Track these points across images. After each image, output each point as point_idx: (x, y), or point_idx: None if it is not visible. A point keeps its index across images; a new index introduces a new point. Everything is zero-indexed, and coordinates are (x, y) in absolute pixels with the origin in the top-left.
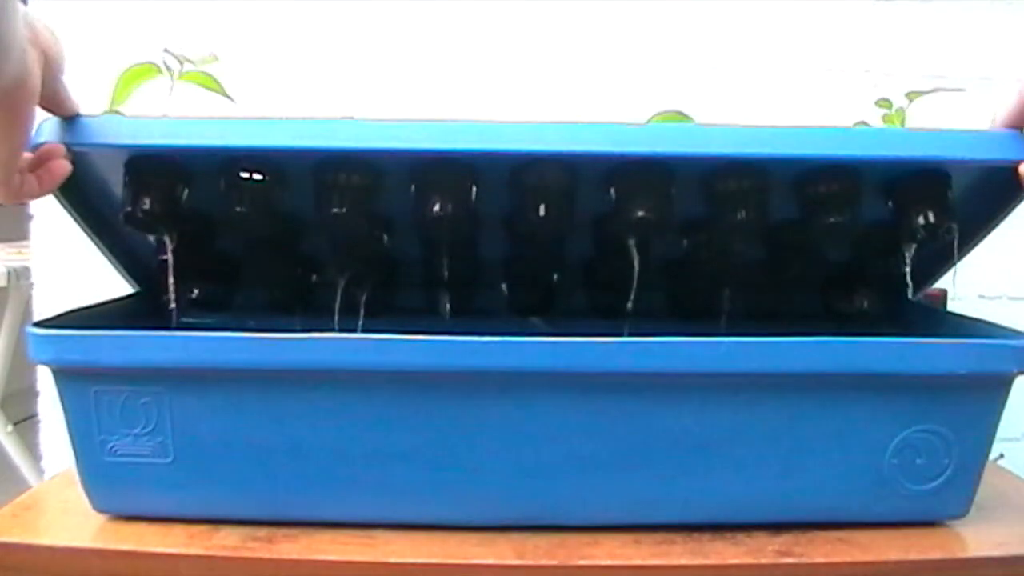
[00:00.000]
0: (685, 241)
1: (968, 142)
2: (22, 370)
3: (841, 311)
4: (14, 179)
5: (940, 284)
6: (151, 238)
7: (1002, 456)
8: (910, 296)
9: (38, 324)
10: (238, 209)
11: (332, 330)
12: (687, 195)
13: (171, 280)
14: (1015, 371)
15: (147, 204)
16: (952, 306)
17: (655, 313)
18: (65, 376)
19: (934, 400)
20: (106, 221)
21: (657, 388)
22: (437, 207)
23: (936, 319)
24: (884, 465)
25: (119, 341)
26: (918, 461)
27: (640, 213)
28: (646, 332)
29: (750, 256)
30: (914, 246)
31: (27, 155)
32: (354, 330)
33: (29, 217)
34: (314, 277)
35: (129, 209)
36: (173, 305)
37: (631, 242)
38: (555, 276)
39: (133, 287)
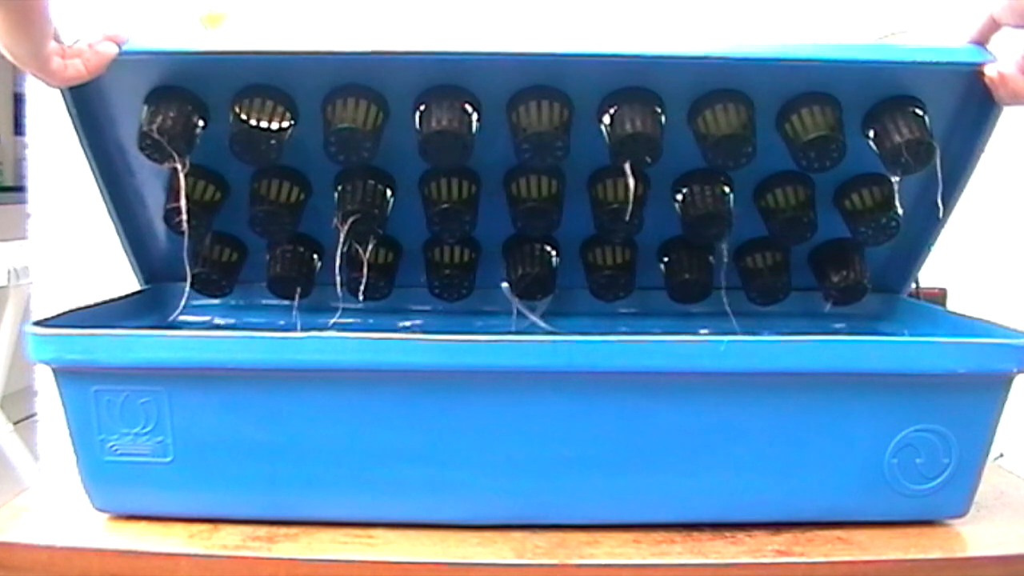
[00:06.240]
0: (683, 192)
1: (933, 51)
2: (22, 369)
3: (838, 288)
4: (52, 63)
5: (940, 283)
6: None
7: (1002, 456)
8: (899, 210)
9: (37, 323)
10: (242, 133)
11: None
12: (675, 115)
13: (183, 205)
14: (1015, 371)
15: (163, 123)
16: (952, 305)
17: (655, 311)
18: (65, 375)
19: (934, 400)
20: (125, 199)
21: (657, 388)
22: (436, 122)
23: (936, 318)
24: (884, 465)
25: (119, 341)
26: (918, 461)
27: (631, 128)
28: (646, 331)
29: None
30: (899, 172)
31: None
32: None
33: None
34: (317, 258)
35: (145, 129)
36: (185, 228)
37: (626, 165)
38: (554, 253)
39: (138, 277)
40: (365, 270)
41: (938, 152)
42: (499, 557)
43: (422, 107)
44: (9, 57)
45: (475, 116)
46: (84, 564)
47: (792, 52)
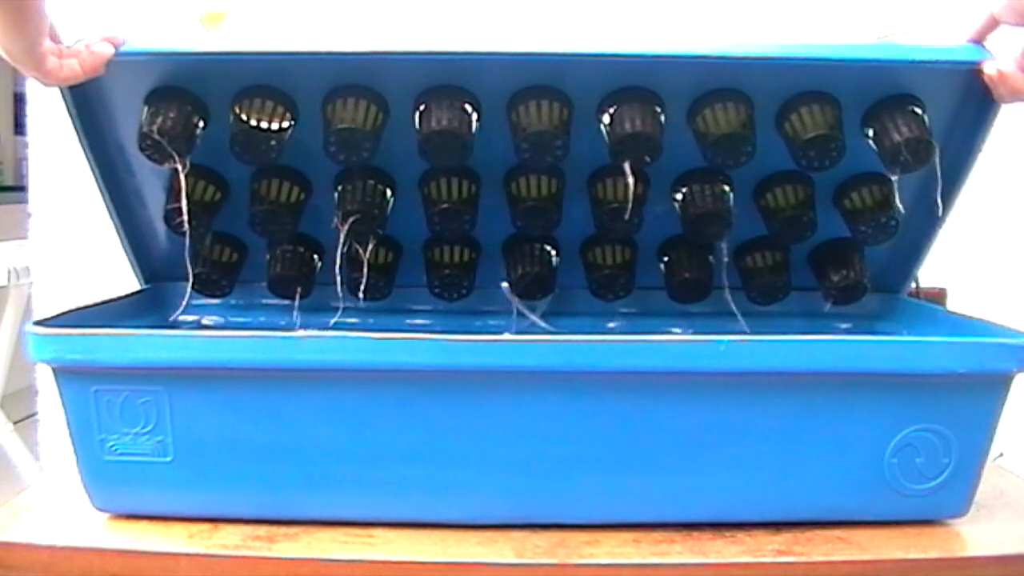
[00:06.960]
0: (683, 191)
1: (932, 50)
2: (22, 369)
3: (838, 287)
4: (47, 62)
5: (940, 283)
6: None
7: (1002, 455)
8: (900, 210)
9: (38, 323)
10: (243, 135)
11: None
12: (674, 114)
13: (183, 205)
14: (1015, 370)
15: (163, 123)
16: (952, 305)
17: (655, 311)
18: (65, 375)
19: (934, 400)
20: (125, 199)
21: (657, 388)
22: (436, 122)
23: (936, 318)
24: (884, 464)
25: (119, 340)
26: (918, 460)
27: (630, 128)
28: (646, 331)
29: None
30: (899, 171)
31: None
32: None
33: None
34: (317, 257)
35: (145, 129)
36: (185, 228)
37: (626, 164)
38: (554, 253)
39: (138, 277)
40: (365, 270)
41: (937, 151)
42: (499, 557)
43: (422, 107)
44: (4, 55)
45: (475, 116)
46: (84, 564)
47: (792, 52)
